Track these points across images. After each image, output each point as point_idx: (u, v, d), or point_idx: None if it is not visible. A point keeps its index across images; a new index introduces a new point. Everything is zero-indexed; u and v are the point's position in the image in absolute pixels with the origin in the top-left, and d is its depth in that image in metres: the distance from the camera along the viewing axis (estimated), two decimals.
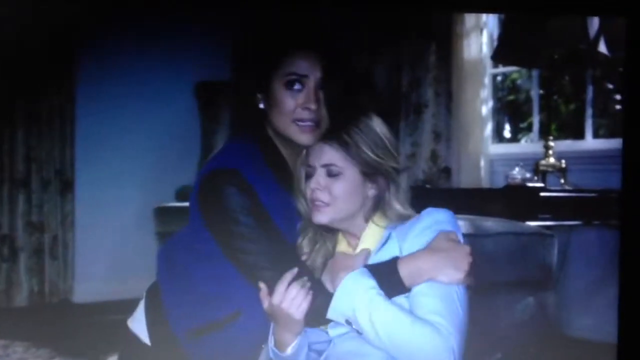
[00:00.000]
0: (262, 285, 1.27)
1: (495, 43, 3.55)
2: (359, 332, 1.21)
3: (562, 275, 2.57)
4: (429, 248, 1.25)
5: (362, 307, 1.19)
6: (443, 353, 1.15)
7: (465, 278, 1.23)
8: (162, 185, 3.83)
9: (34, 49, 3.54)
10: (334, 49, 1.40)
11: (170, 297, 1.43)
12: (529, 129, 3.94)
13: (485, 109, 3.82)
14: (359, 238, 1.34)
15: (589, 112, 3.48)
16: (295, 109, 1.35)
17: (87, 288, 4.03)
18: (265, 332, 1.32)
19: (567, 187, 3.12)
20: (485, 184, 3.72)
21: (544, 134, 3.34)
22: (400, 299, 1.23)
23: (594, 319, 2.60)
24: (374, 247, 1.30)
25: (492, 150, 3.83)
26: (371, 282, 1.21)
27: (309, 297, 1.22)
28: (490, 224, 2.25)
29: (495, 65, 3.91)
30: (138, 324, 1.46)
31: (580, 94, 3.67)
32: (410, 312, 1.20)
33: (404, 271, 1.22)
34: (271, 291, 1.24)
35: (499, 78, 4.08)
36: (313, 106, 1.34)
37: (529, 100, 3.99)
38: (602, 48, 3.04)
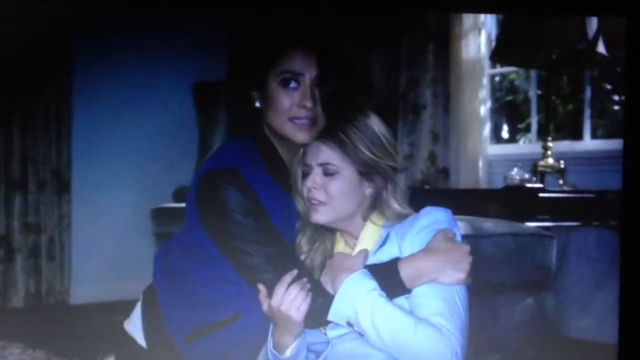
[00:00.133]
0: (261, 286, 1.26)
1: (494, 43, 3.55)
2: (361, 334, 1.20)
3: (560, 276, 2.56)
4: (429, 249, 1.24)
5: (364, 309, 1.19)
6: (447, 355, 1.15)
7: (466, 278, 1.22)
8: (160, 186, 3.81)
9: (30, 49, 3.52)
10: (330, 46, 1.39)
11: (166, 299, 1.42)
12: (527, 129, 3.94)
13: (484, 109, 3.81)
14: (356, 238, 1.33)
15: (587, 112, 3.48)
16: (291, 107, 1.34)
17: (83, 289, 4.01)
18: (263, 334, 1.31)
19: (565, 188, 3.12)
20: (483, 184, 3.71)
21: (542, 134, 3.34)
22: (400, 300, 1.22)
23: (593, 320, 2.59)
24: (372, 247, 1.30)
25: (490, 151, 3.82)
26: (373, 284, 1.21)
27: (309, 299, 1.21)
28: (489, 225, 2.25)
29: (494, 66, 3.91)
30: (134, 326, 1.45)
31: (579, 94, 3.67)
32: (412, 313, 1.20)
33: (405, 272, 1.22)
34: (270, 293, 1.23)
35: (497, 78, 4.08)
36: (309, 104, 1.33)
37: (527, 100, 3.99)
38: (601, 48, 3.03)
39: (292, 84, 1.34)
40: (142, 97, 4.10)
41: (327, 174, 1.29)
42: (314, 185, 1.30)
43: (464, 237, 1.30)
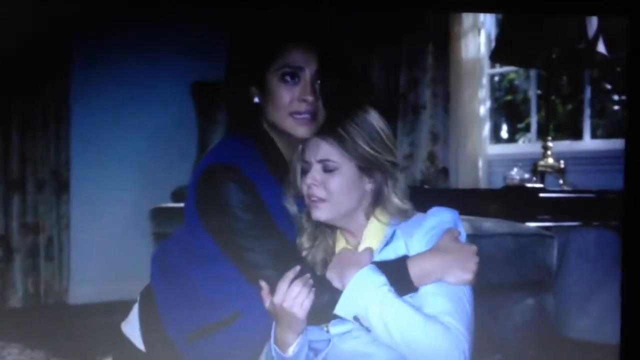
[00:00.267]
0: (263, 284, 1.25)
1: (493, 43, 3.55)
2: (368, 329, 1.20)
3: (561, 276, 2.56)
4: (437, 249, 1.24)
5: (374, 304, 1.18)
6: (455, 353, 1.15)
7: (472, 278, 1.23)
8: (159, 185, 3.81)
9: (29, 49, 3.52)
10: (330, 41, 1.38)
11: (165, 299, 1.40)
12: (527, 129, 3.94)
13: (483, 109, 3.81)
14: (357, 236, 1.32)
15: (587, 112, 3.48)
16: (291, 102, 1.33)
17: (82, 289, 4.01)
18: (264, 334, 1.30)
19: (565, 188, 3.11)
20: (483, 184, 3.71)
21: (542, 134, 3.34)
22: (406, 298, 1.22)
23: (594, 320, 2.58)
24: (377, 244, 1.29)
25: (490, 150, 3.82)
26: (383, 279, 1.20)
27: (312, 296, 1.20)
28: (489, 224, 2.24)
29: (493, 66, 3.90)
30: (132, 328, 1.43)
31: (578, 94, 3.67)
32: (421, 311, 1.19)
33: (413, 271, 1.22)
34: (272, 290, 1.22)
35: (496, 78, 4.08)
36: (310, 98, 1.32)
37: (526, 100, 3.99)
38: (601, 48, 3.03)
39: (293, 79, 1.33)
40: (141, 97, 4.10)
41: (327, 170, 1.28)
42: (314, 182, 1.29)
43: None
